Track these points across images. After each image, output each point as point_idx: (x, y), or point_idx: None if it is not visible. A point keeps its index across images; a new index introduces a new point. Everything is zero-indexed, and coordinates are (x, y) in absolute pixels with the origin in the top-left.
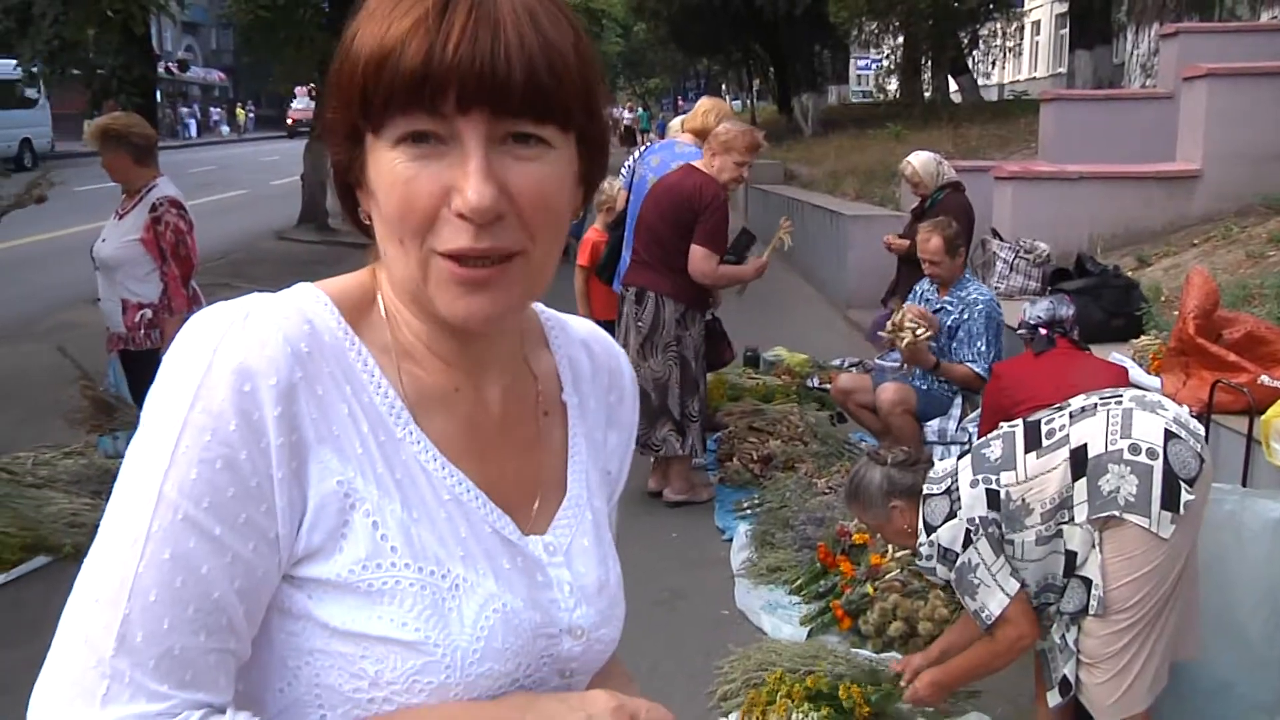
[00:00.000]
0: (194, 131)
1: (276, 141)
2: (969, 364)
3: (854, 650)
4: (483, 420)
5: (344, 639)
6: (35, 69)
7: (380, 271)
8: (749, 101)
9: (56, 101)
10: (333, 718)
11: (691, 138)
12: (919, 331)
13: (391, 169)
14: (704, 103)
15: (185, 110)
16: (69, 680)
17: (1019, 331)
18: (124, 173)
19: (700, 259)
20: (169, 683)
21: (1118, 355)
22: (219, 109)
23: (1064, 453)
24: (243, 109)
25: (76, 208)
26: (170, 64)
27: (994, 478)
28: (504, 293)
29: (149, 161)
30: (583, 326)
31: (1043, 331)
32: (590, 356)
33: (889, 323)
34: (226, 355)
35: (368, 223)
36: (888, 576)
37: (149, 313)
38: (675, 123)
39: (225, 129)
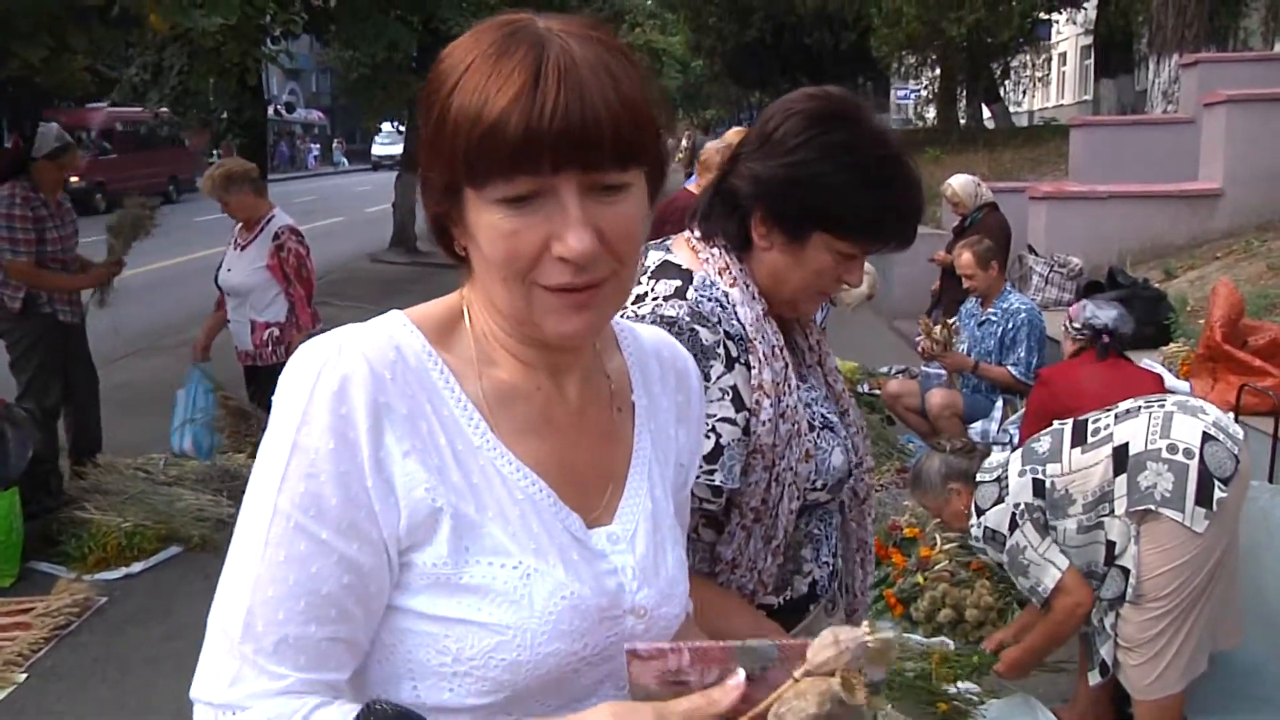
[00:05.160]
0: (312, 164)
1: (368, 174)
2: (1008, 367)
3: (906, 635)
4: (561, 413)
5: (430, 621)
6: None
7: (470, 292)
8: None
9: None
10: (422, 688)
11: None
12: (940, 330)
13: (494, 224)
14: (729, 135)
15: (308, 146)
16: (212, 663)
17: (1076, 326)
18: (248, 208)
19: None
20: (286, 665)
21: (1148, 361)
22: (317, 145)
23: (1107, 449)
24: (333, 145)
25: (196, 236)
26: (279, 106)
27: (1041, 468)
28: (600, 311)
29: (264, 193)
30: (652, 334)
31: (1105, 339)
32: (659, 361)
33: (924, 344)
34: (324, 384)
35: (463, 254)
36: (937, 567)
37: (276, 331)
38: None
39: (336, 160)
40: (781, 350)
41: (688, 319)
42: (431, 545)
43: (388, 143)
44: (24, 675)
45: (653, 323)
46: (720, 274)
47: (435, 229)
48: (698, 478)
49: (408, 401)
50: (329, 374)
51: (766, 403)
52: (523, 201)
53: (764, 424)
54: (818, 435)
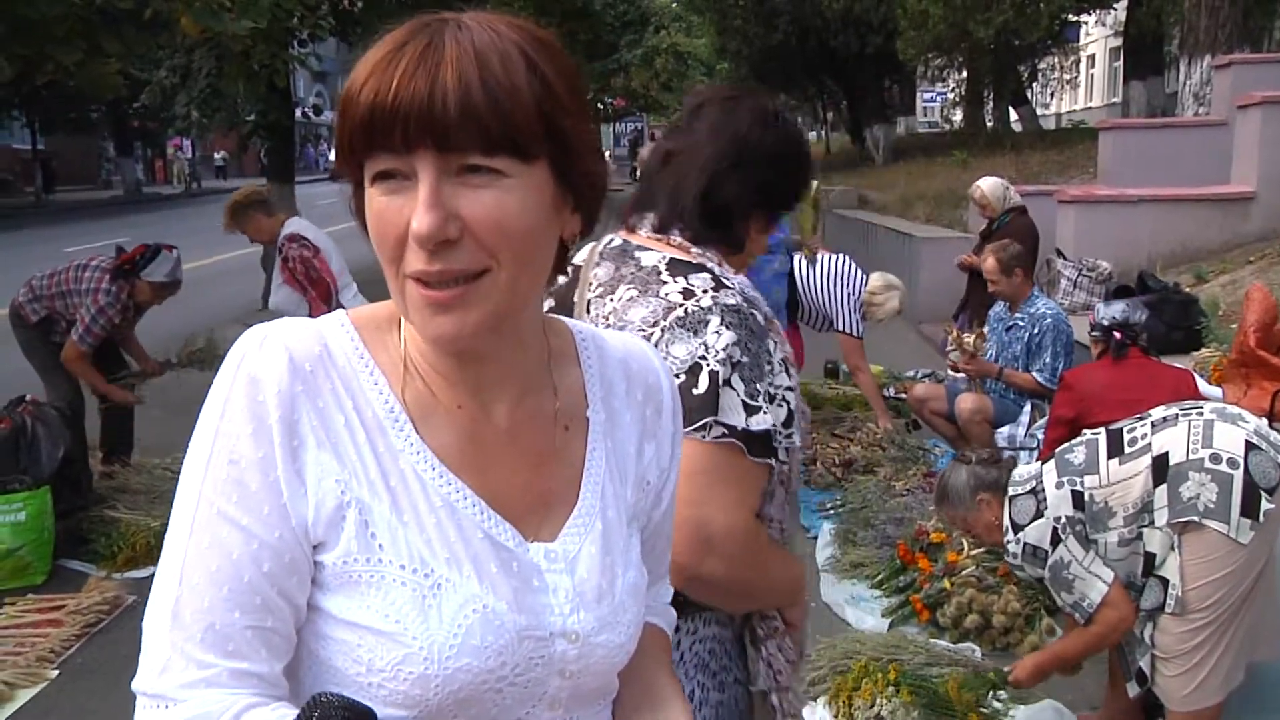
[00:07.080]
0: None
1: None
2: (1033, 373)
3: (932, 641)
4: (487, 435)
5: (344, 627)
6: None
7: None
8: (823, 133)
9: (204, 146)
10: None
11: None
12: (974, 340)
13: (370, 204)
14: None
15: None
16: (146, 653)
17: (1091, 333)
18: (265, 230)
19: None
20: (213, 653)
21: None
22: None
23: (1146, 460)
24: None
25: (220, 240)
26: (306, 109)
27: (1078, 480)
28: (469, 312)
29: (274, 211)
30: (621, 342)
31: (1117, 335)
32: (626, 373)
33: (955, 350)
34: (244, 372)
35: None
36: (964, 573)
37: None
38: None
39: None
40: None
41: (746, 305)
42: (340, 542)
43: None
44: (55, 672)
45: (720, 313)
46: (720, 266)
47: (361, 226)
48: (781, 441)
49: (329, 396)
50: (249, 362)
51: (793, 371)
52: (390, 180)
53: (793, 390)
54: None
